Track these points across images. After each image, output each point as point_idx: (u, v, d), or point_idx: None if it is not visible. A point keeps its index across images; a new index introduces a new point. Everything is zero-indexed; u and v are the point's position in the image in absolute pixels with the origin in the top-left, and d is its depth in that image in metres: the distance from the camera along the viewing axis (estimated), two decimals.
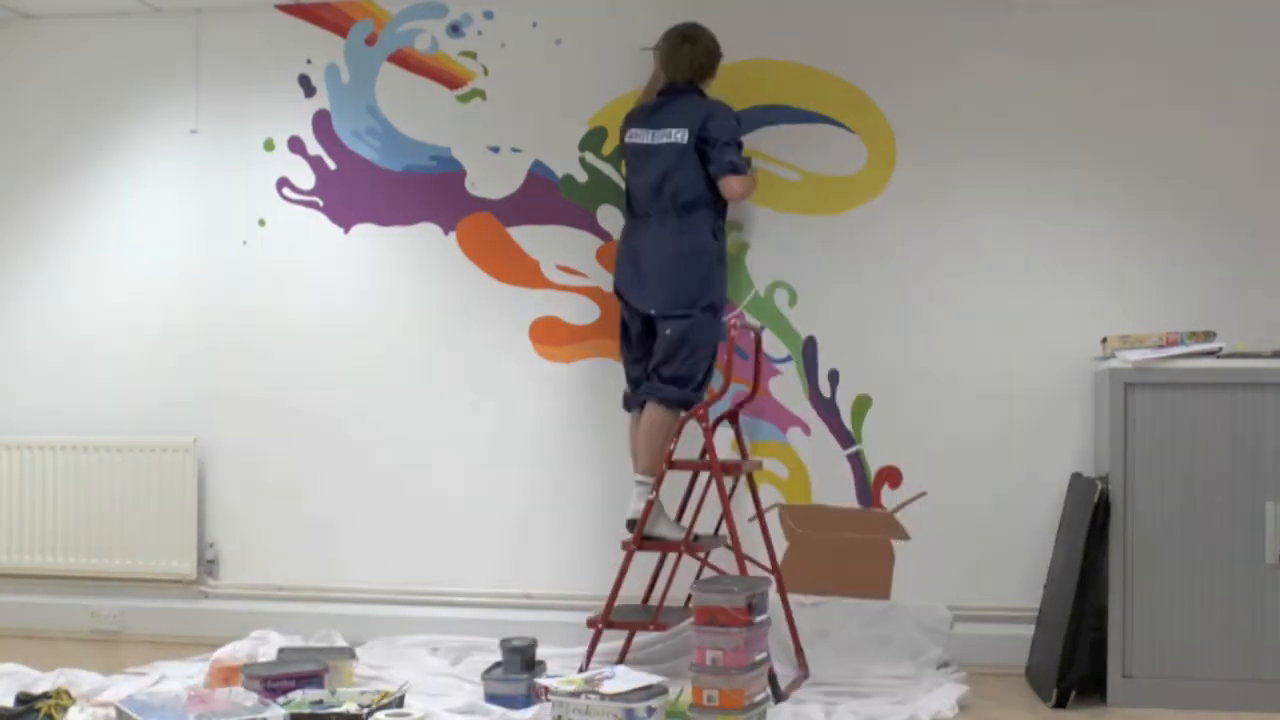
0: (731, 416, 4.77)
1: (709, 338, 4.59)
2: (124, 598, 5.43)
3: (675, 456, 4.52)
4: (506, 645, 4.27)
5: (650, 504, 4.45)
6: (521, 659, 4.23)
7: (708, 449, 4.49)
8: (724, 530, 4.51)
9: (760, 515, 4.74)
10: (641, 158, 4.70)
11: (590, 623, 4.45)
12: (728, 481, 4.63)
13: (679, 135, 4.61)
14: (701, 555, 4.46)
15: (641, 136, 4.70)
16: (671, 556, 4.69)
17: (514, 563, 5.16)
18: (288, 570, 5.30)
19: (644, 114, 4.77)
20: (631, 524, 4.49)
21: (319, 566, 5.29)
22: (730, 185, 4.59)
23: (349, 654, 4.51)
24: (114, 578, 5.41)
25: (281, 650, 4.55)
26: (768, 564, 4.69)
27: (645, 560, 4.63)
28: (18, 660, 4.66)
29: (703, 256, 4.59)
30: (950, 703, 4.17)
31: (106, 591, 5.44)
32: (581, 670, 4.33)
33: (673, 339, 4.53)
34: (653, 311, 4.59)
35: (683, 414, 4.55)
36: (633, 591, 4.63)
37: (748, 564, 4.47)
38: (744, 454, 4.78)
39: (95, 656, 4.99)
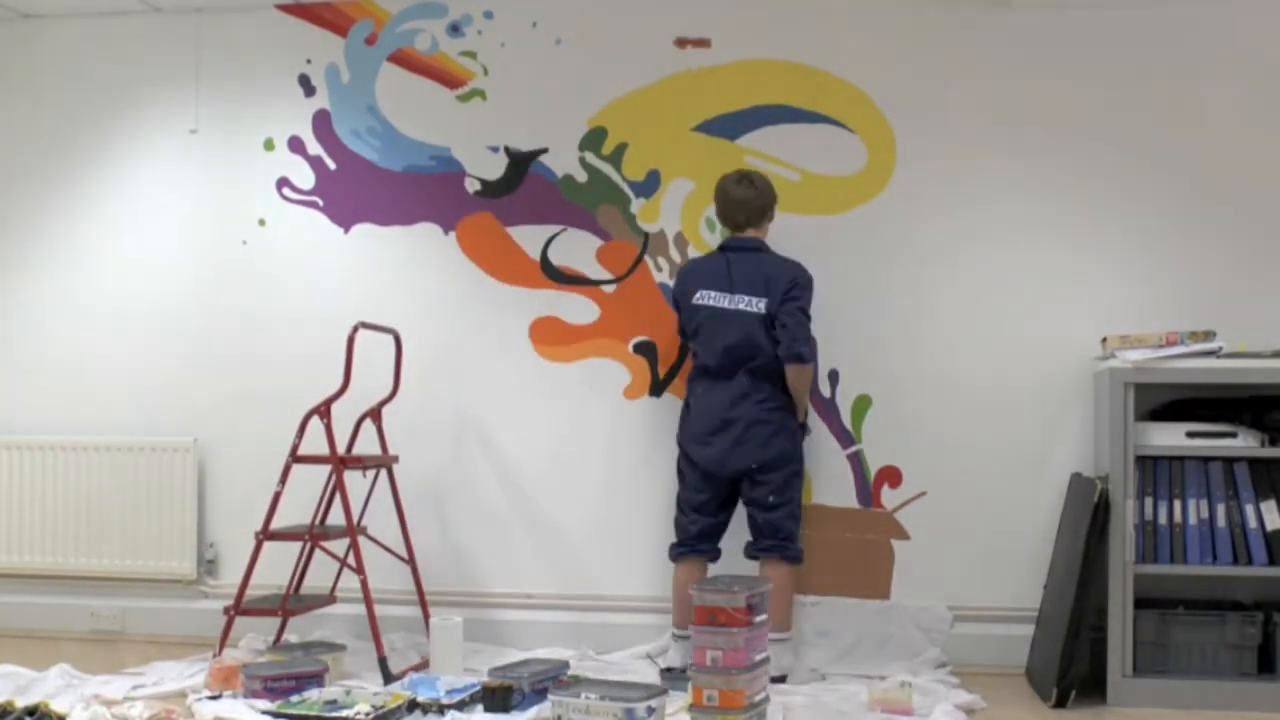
0: (374, 415, 4.95)
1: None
2: (124, 598, 5.43)
3: (303, 451, 4.75)
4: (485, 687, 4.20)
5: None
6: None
7: (329, 444, 4.66)
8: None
9: (399, 509, 4.94)
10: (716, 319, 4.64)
11: (225, 610, 4.68)
12: (366, 475, 5.04)
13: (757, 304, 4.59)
14: (324, 546, 4.80)
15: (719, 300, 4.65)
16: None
17: (513, 562, 5.16)
18: (287, 570, 5.29)
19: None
20: (669, 671, 4.53)
21: (318, 566, 5.28)
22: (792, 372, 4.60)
23: (338, 648, 4.59)
24: (114, 578, 5.42)
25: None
26: (405, 554, 4.95)
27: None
28: (16, 660, 4.66)
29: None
30: None
31: (106, 591, 5.44)
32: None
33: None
34: (753, 465, 4.57)
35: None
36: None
37: (395, 551, 4.93)
38: (384, 449, 4.96)
39: (95, 656, 5.00)
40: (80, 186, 5.57)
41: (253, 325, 5.40)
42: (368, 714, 3.80)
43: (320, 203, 5.40)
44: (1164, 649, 4.36)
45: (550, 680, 4.12)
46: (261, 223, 5.43)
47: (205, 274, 5.46)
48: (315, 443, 4.77)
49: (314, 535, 4.75)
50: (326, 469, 4.79)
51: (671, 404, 5.06)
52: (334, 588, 5.03)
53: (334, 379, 4.73)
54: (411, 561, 4.95)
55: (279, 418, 5.33)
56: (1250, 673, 4.34)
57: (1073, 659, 4.29)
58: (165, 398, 5.44)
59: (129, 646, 5.23)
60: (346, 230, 5.37)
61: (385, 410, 5.02)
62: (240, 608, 4.68)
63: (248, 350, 5.40)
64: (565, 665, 4.44)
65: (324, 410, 4.70)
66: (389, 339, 5.05)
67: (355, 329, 4.71)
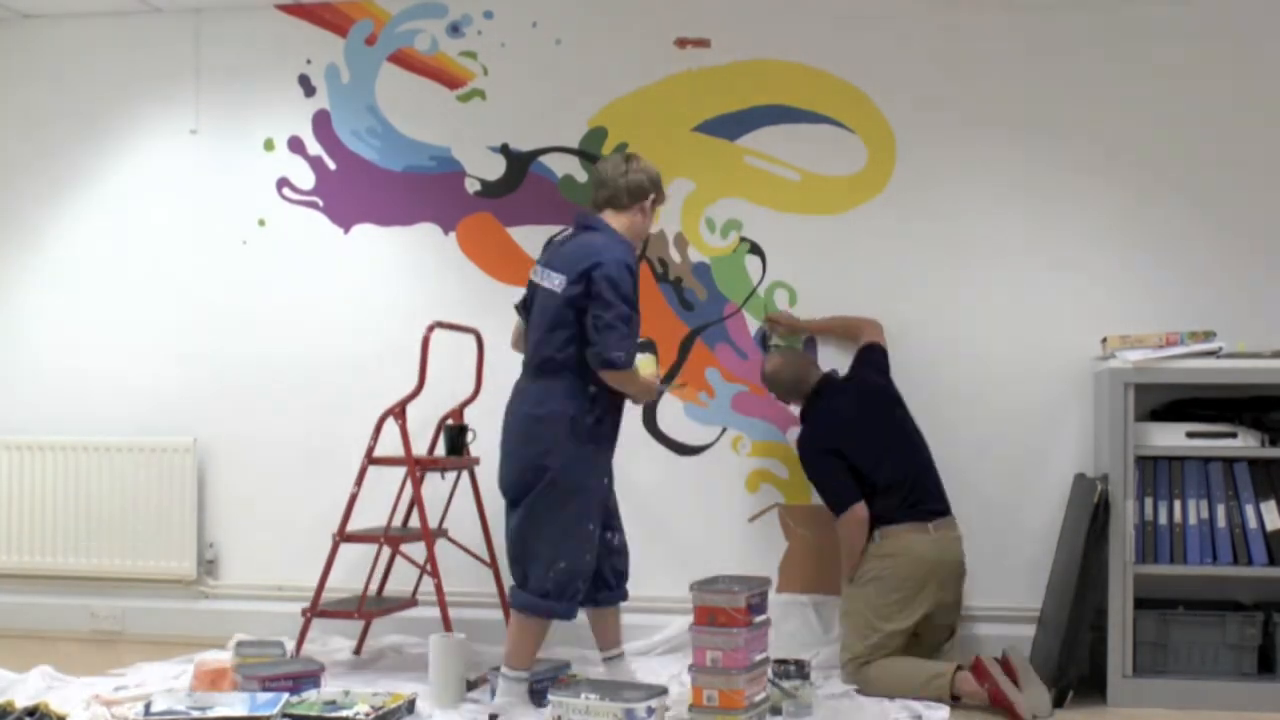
0: (455, 416, 4.90)
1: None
2: (124, 598, 5.43)
3: (378, 453, 4.72)
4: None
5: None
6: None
7: (405, 447, 4.64)
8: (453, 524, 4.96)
9: (480, 509, 4.88)
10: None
11: (303, 612, 4.65)
12: (444, 477, 4.99)
13: (558, 282, 3.99)
14: (398, 550, 4.73)
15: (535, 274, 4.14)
16: (387, 551, 4.91)
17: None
18: (288, 570, 5.30)
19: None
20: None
21: (319, 566, 5.27)
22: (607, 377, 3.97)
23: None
24: (114, 578, 5.42)
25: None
26: (487, 557, 4.90)
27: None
28: (15, 661, 4.64)
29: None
30: None
31: (106, 591, 5.44)
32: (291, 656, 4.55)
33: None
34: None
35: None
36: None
37: (477, 554, 4.87)
38: (466, 451, 4.88)
39: (95, 656, 4.99)
40: (80, 187, 5.57)
41: (252, 325, 5.40)
42: (367, 714, 3.80)
43: (320, 203, 5.40)
44: (1164, 649, 4.36)
45: (550, 680, 4.12)
46: (261, 223, 5.43)
47: (205, 274, 5.46)
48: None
49: (390, 538, 4.66)
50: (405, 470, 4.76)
51: (669, 402, 5.06)
52: (415, 590, 4.95)
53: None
54: (493, 564, 4.91)
55: (279, 417, 5.34)
56: (1250, 673, 4.34)
57: (1073, 659, 4.28)
58: (165, 398, 5.44)
59: (129, 646, 5.23)
60: (346, 230, 5.37)
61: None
62: (317, 609, 4.61)
63: (247, 350, 5.40)
64: (566, 665, 4.44)
65: (399, 411, 4.64)
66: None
67: (431, 329, 4.65)
